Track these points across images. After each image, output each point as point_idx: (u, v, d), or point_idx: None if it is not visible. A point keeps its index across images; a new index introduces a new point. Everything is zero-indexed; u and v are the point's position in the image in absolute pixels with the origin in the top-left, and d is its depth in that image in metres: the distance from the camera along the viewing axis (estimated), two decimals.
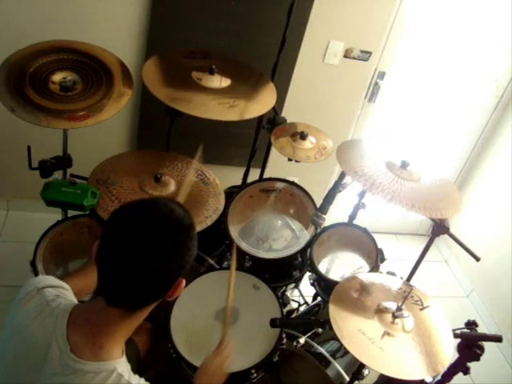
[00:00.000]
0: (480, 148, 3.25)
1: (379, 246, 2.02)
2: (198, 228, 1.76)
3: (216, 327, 1.65)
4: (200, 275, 1.81)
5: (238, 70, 2.08)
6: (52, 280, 1.22)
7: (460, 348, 1.53)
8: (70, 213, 1.85)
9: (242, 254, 1.97)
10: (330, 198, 1.96)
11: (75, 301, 1.18)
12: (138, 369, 1.30)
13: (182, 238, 1.06)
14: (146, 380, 1.12)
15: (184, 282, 1.10)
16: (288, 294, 2.28)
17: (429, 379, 1.48)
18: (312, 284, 2.06)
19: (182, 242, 1.06)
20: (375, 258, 1.99)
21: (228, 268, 2.04)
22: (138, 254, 1.01)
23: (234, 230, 1.99)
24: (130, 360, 1.13)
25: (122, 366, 1.07)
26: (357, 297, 1.53)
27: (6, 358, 1.10)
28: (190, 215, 1.11)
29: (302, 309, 2.31)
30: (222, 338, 1.50)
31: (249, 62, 2.15)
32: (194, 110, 1.79)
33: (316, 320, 1.78)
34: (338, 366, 1.76)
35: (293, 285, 2.24)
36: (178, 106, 1.80)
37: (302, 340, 1.59)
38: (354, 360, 1.54)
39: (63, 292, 1.19)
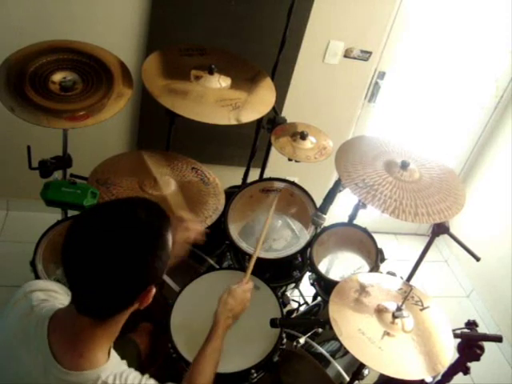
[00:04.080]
0: (480, 148, 3.25)
1: (379, 245, 2.02)
2: None
3: None
4: (200, 275, 1.81)
5: (236, 66, 2.08)
6: (44, 284, 1.19)
7: (460, 348, 1.53)
8: (70, 213, 1.85)
9: (241, 253, 1.97)
10: (330, 197, 1.96)
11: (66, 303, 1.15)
12: (139, 370, 1.29)
13: (144, 244, 0.98)
14: None
15: (154, 290, 1.04)
16: (288, 294, 2.27)
17: (429, 379, 1.48)
18: (312, 284, 2.06)
19: (145, 247, 0.98)
20: (375, 258, 1.99)
21: (229, 268, 2.04)
22: (97, 262, 0.95)
23: (234, 230, 1.99)
24: (131, 361, 1.12)
25: (107, 371, 1.04)
26: (357, 297, 1.53)
27: None
28: (159, 218, 1.04)
29: (302, 309, 2.31)
30: (245, 276, 1.61)
31: (246, 57, 2.15)
32: (196, 115, 1.79)
33: (316, 320, 1.78)
34: (337, 365, 1.76)
35: (293, 285, 2.24)
36: (179, 111, 1.81)
37: (301, 340, 1.59)
38: (354, 360, 1.54)
39: (53, 295, 1.16)
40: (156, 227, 1.02)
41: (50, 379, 1.01)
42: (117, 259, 0.96)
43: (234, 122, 1.85)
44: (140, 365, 1.57)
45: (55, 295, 1.17)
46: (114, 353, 1.10)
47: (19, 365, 1.05)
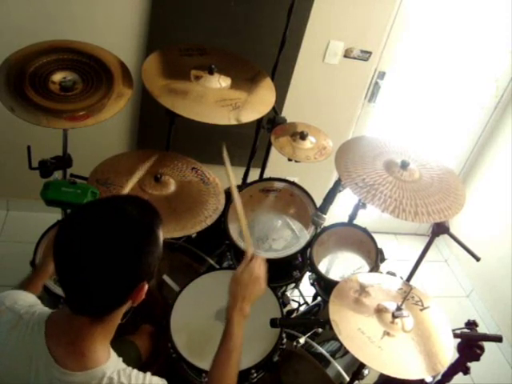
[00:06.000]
0: (480, 148, 3.25)
1: (379, 245, 2.02)
2: (198, 228, 1.79)
3: (217, 327, 1.65)
4: (200, 275, 1.81)
5: (236, 66, 2.08)
6: (17, 295, 1.17)
7: (460, 348, 1.53)
8: None
9: (242, 253, 1.97)
10: (330, 197, 1.96)
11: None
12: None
13: (135, 240, 0.98)
14: None
15: (146, 287, 1.03)
16: (288, 293, 2.27)
17: (429, 379, 1.48)
18: (312, 284, 2.06)
19: (136, 244, 0.98)
20: (375, 258, 1.99)
21: (229, 268, 2.04)
22: (88, 260, 0.95)
23: (234, 230, 1.99)
24: (131, 363, 1.12)
25: (111, 368, 1.04)
26: (357, 297, 1.53)
27: None
28: (150, 214, 1.04)
29: (302, 309, 2.31)
30: (246, 250, 1.44)
31: (246, 57, 2.15)
32: (196, 115, 1.79)
33: (316, 320, 1.78)
34: (337, 365, 1.76)
35: (293, 285, 2.24)
36: (179, 111, 1.81)
37: (301, 340, 1.59)
38: (354, 360, 1.54)
39: (35, 303, 1.15)
40: (146, 223, 1.01)
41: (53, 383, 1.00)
42: (107, 257, 0.96)
43: (234, 122, 1.85)
44: (140, 367, 1.57)
45: (36, 302, 1.16)
46: (112, 350, 1.10)
47: (17, 378, 1.03)
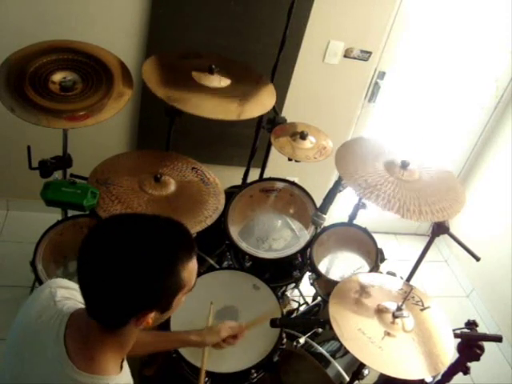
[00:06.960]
0: (480, 148, 3.25)
1: (379, 245, 2.02)
2: (198, 228, 1.79)
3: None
4: (200, 275, 1.81)
5: (235, 69, 2.07)
6: (67, 282, 1.20)
7: (460, 348, 1.53)
8: (70, 213, 1.85)
9: (242, 253, 1.97)
10: (330, 197, 1.96)
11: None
12: (138, 367, 1.29)
13: (147, 264, 0.96)
14: (146, 381, 1.11)
15: (152, 315, 1.01)
16: (288, 293, 2.27)
17: (429, 379, 1.48)
18: (312, 284, 2.06)
19: (147, 268, 0.96)
20: (375, 258, 1.99)
21: (229, 268, 2.04)
22: (100, 269, 0.96)
23: (233, 230, 1.99)
24: (130, 360, 1.12)
25: (117, 383, 1.04)
26: (357, 297, 1.53)
27: (10, 355, 1.10)
28: (178, 246, 1.01)
29: (302, 309, 2.31)
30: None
31: (247, 61, 2.14)
32: (194, 109, 1.78)
33: (316, 320, 1.78)
34: (337, 365, 1.76)
35: (293, 285, 2.24)
36: (180, 105, 1.80)
37: (301, 340, 1.59)
38: (354, 360, 1.54)
39: (75, 294, 1.17)
40: (167, 254, 0.99)
41: (60, 376, 1.01)
42: (114, 273, 0.96)
43: (239, 118, 1.84)
44: (140, 363, 1.57)
45: (76, 294, 1.17)
46: (127, 370, 1.10)
47: (33, 355, 1.05)
